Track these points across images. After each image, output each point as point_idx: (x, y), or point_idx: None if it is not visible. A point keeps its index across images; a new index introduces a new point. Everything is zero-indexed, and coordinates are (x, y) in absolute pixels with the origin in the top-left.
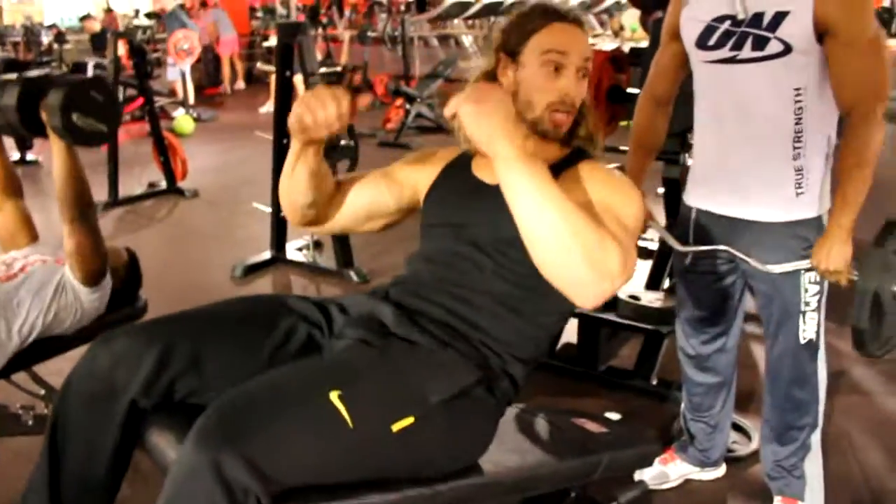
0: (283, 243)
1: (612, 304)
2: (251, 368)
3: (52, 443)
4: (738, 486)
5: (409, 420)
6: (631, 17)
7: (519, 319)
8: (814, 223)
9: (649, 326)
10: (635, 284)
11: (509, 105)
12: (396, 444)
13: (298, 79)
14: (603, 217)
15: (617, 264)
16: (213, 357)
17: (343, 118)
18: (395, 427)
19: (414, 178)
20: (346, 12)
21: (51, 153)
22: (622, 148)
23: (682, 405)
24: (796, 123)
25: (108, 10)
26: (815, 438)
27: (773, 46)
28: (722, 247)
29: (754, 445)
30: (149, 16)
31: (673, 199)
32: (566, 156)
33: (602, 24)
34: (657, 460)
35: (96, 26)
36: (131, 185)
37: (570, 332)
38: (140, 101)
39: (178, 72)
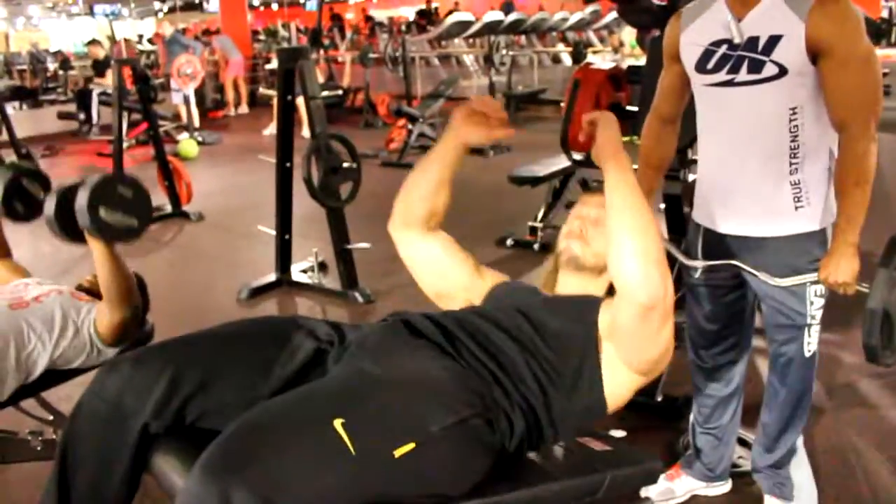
0: (287, 265)
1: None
2: (262, 389)
3: (61, 468)
4: (745, 500)
5: (411, 446)
6: (630, 34)
7: (544, 388)
8: (816, 236)
9: None
10: None
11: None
12: (400, 469)
13: (301, 100)
14: None
15: (665, 270)
16: (222, 379)
17: (505, 127)
18: (398, 453)
19: (491, 282)
20: (348, 34)
21: (56, 178)
22: None
23: (692, 417)
24: (792, 140)
25: (114, 40)
26: (800, 441)
27: (769, 69)
28: (730, 261)
29: None
30: (152, 41)
31: (674, 215)
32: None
33: (602, 40)
34: (663, 476)
35: (100, 52)
36: None
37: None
38: (144, 125)
39: (181, 96)
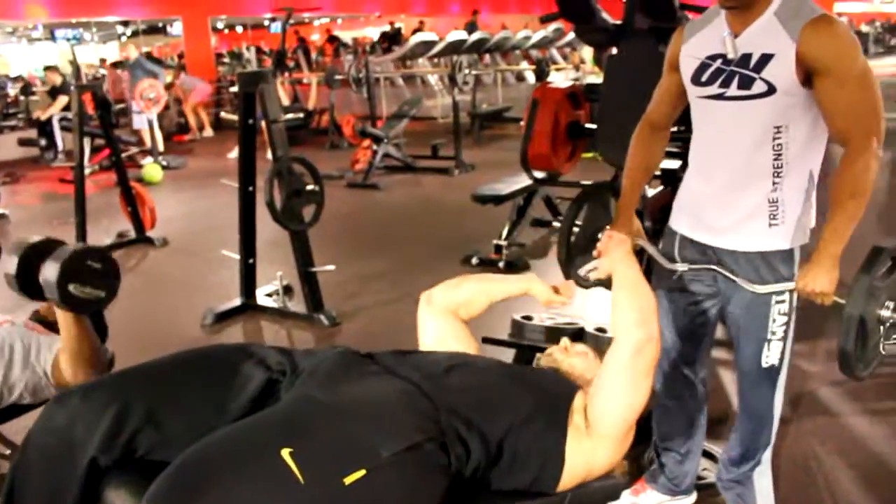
0: (252, 290)
1: (580, 337)
2: (213, 421)
3: (9, 503)
4: None
5: (361, 473)
6: (591, 52)
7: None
8: (784, 255)
9: None
10: (602, 316)
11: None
12: (351, 497)
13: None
14: None
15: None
16: (172, 412)
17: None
18: (348, 480)
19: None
20: (313, 55)
21: (17, 205)
22: (583, 182)
23: (654, 433)
24: (775, 159)
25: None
26: (767, 455)
27: (758, 87)
28: (710, 266)
29: None
30: (115, 66)
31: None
32: None
33: (565, 58)
34: (628, 491)
35: (57, 79)
36: (100, 235)
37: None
38: (107, 151)
39: (144, 120)
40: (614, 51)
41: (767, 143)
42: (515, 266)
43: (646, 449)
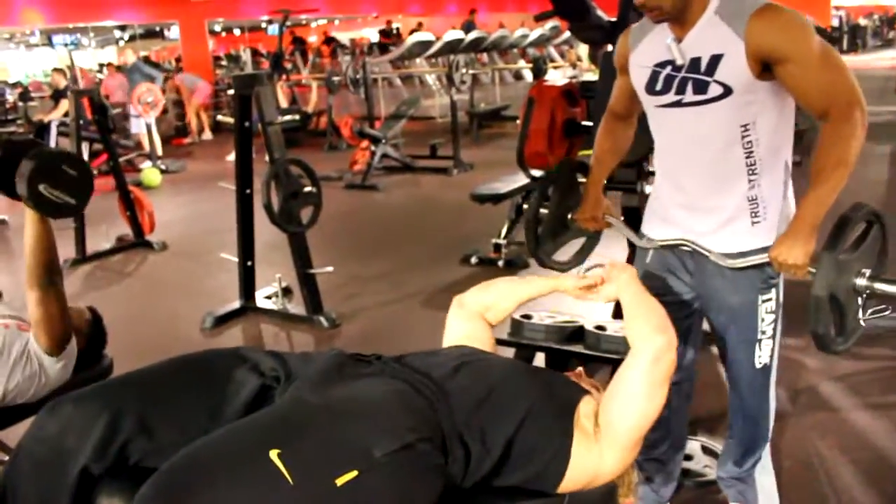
0: (251, 292)
1: (580, 335)
2: (204, 427)
3: None
4: None
5: (353, 474)
6: (587, 49)
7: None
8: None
9: (617, 356)
10: (602, 314)
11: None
12: (343, 498)
13: None
14: None
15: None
16: (163, 419)
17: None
18: (340, 481)
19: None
20: (310, 57)
21: (16, 212)
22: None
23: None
24: (748, 157)
25: (72, 70)
26: (766, 450)
27: (714, 90)
28: (682, 238)
29: None
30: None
31: (633, 228)
32: None
33: (563, 55)
34: None
35: (62, 82)
36: (99, 240)
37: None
38: (105, 156)
39: (142, 124)
40: (609, 48)
41: (737, 143)
42: (515, 265)
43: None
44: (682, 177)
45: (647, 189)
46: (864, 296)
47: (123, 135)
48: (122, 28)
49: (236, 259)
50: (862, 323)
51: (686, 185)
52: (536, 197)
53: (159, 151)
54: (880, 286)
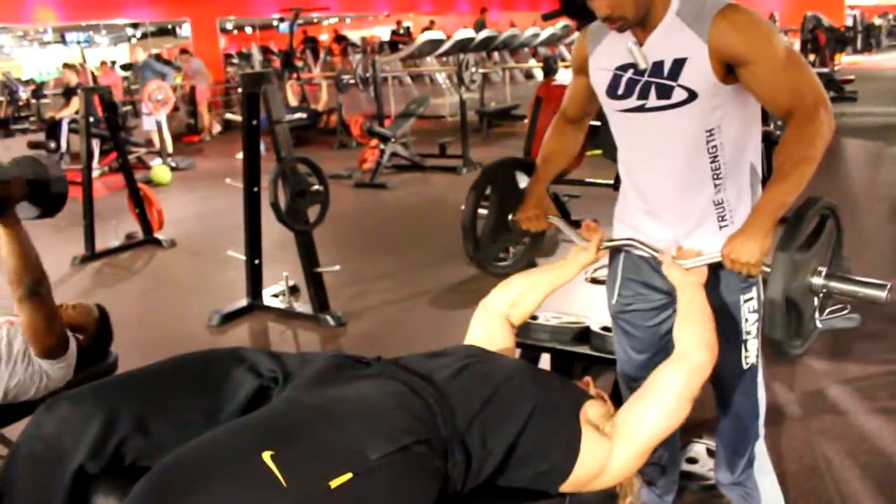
0: (258, 290)
1: (586, 336)
2: (200, 427)
3: None
4: None
5: (348, 476)
6: None
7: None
8: None
9: None
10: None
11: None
12: (337, 500)
13: None
14: None
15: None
16: (159, 418)
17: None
18: (334, 484)
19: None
20: (321, 55)
21: None
22: (587, 180)
23: None
24: (712, 161)
25: (83, 67)
26: (759, 448)
27: (678, 94)
28: (631, 238)
29: None
30: (125, 67)
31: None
32: None
33: None
34: None
35: (73, 78)
36: (108, 237)
37: (544, 366)
38: (114, 153)
39: (153, 121)
40: None
41: (702, 149)
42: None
43: None
44: (646, 183)
45: None
46: (821, 295)
47: (128, 133)
48: (135, 26)
49: (244, 257)
50: (819, 324)
51: (651, 192)
52: (474, 196)
53: (170, 149)
54: (837, 285)
